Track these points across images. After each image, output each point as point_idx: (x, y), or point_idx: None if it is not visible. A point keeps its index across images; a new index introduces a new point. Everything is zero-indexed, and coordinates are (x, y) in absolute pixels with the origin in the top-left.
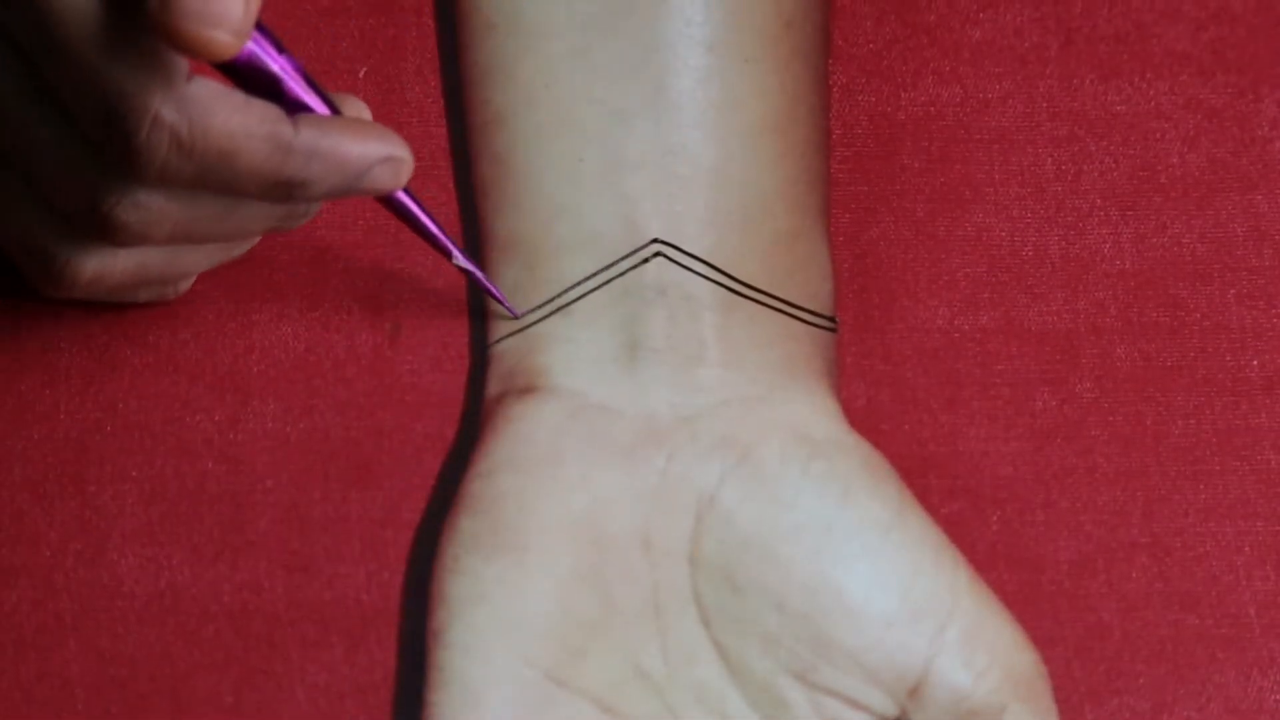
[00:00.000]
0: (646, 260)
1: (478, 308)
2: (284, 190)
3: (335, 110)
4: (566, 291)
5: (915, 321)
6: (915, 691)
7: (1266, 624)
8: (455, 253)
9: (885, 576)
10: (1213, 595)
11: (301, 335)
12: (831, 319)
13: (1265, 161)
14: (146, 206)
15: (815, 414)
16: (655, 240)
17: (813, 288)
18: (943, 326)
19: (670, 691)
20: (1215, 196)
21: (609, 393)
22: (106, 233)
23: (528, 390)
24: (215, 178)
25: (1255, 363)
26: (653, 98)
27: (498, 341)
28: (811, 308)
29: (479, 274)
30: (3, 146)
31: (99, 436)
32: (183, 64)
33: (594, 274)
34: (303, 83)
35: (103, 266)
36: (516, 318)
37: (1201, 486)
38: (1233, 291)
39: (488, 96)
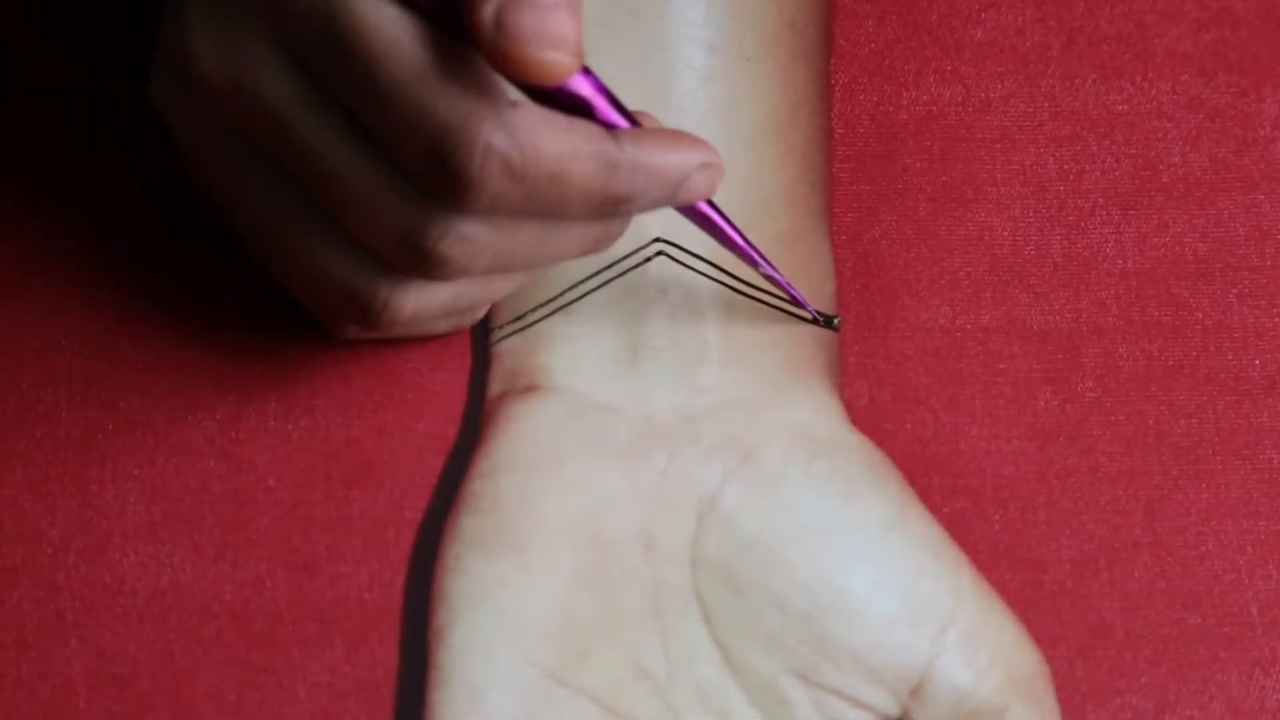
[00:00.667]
0: (648, 259)
1: None
2: (610, 208)
3: (638, 125)
4: (568, 291)
5: (917, 321)
6: (917, 691)
7: (1269, 623)
8: (760, 261)
9: (887, 576)
10: (1215, 594)
11: (303, 334)
12: (833, 318)
13: (1267, 161)
14: (471, 239)
15: (817, 414)
16: (657, 239)
17: (815, 287)
18: (945, 326)
19: (672, 691)
20: (1217, 196)
21: (610, 392)
22: (430, 269)
23: (529, 390)
24: (542, 202)
25: (1257, 362)
26: (654, 99)
27: (499, 341)
28: (814, 307)
29: (783, 279)
30: (312, 189)
31: (101, 435)
32: (506, 90)
33: (596, 273)
34: (610, 105)
35: (421, 302)
36: (815, 316)
37: (1203, 486)
38: (1234, 291)
39: None
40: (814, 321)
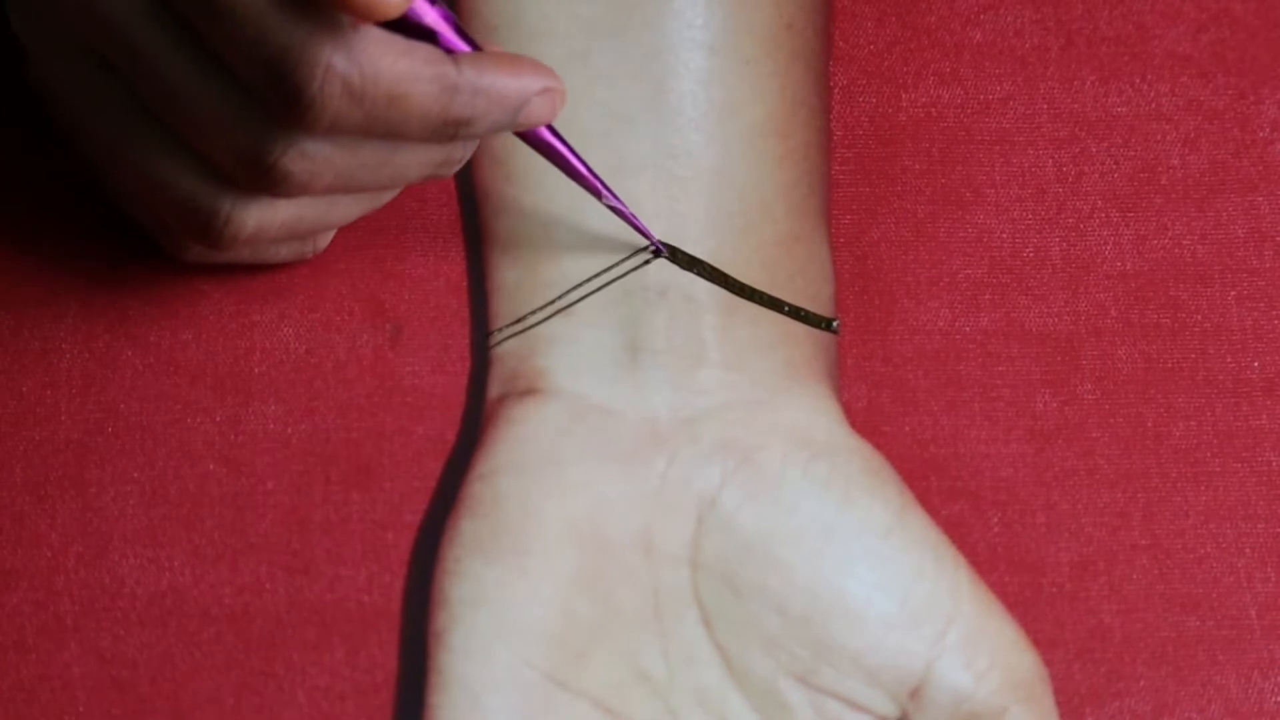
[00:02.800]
0: (647, 262)
1: (479, 309)
2: (449, 130)
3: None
4: (568, 293)
5: (916, 323)
6: (916, 693)
7: (1267, 626)
8: (604, 191)
9: (886, 579)
10: (1213, 597)
11: (302, 336)
12: (832, 321)
13: (1265, 163)
14: (313, 156)
15: (816, 416)
16: (657, 242)
17: (814, 289)
18: (943, 328)
19: (671, 694)
20: (1216, 198)
21: (610, 394)
22: (272, 184)
23: (529, 392)
24: (383, 123)
25: (1256, 364)
26: (653, 100)
27: (498, 343)
28: (812, 309)
29: (627, 210)
30: (158, 105)
31: (100, 438)
32: None
33: (596, 275)
34: (454, 31)
35: (264, 219)
36: (658, 246)
37: (1202, 488)
38: (1233, 293)
39: None
40: (804, 318)
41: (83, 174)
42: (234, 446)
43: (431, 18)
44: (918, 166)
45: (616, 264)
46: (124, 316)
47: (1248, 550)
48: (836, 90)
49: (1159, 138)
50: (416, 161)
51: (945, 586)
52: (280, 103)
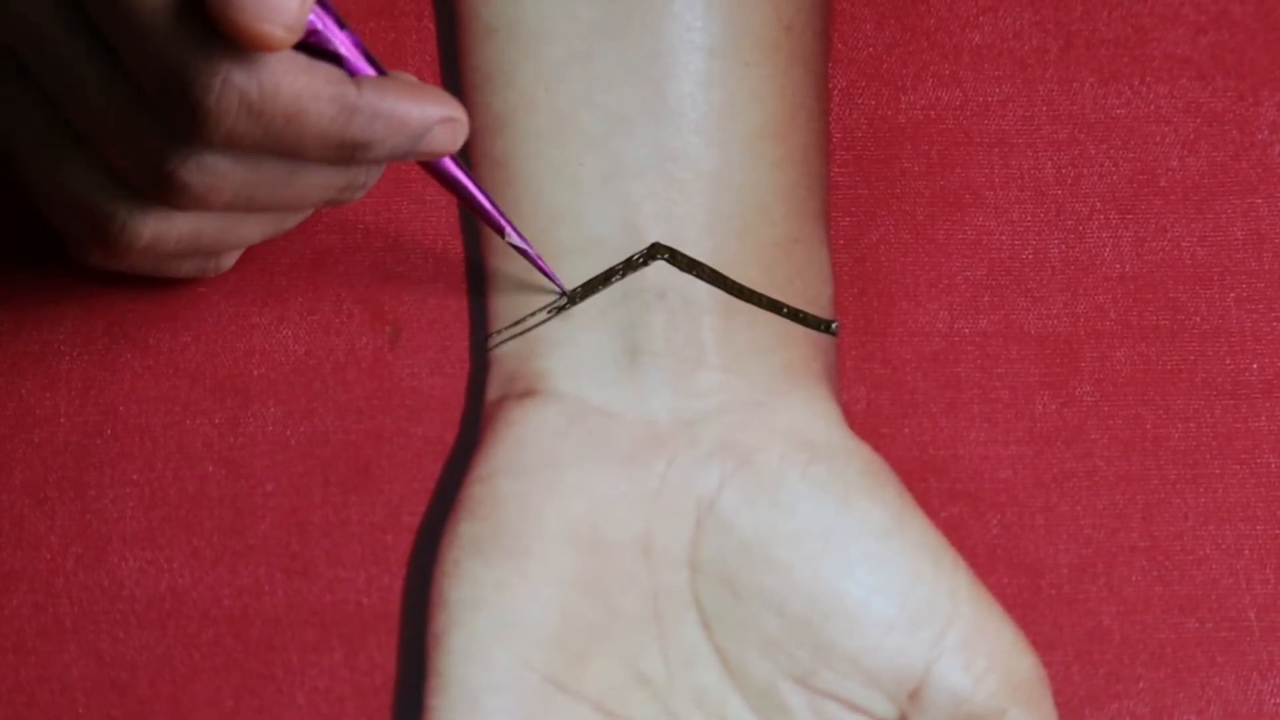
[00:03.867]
0: (647, 264)
1: (478, 311)
2: (347, 152)
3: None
4: (568, 294)
5: (915, 325)
6: (915, 695)
7: (1266, 627)
8: (509, 229)
9: (885, 581)
10: (1212, 599)
11: (301, 338)
12: (831, 323)
13: (1265, 165)
14: (211, 169)
15: (815, 418)
16: (655, 244)
17: (813, 291)
18: (943, 330)
19: (670, 696)
20: (1215, 200)
21: (609, 397)
22: (169, 195)
23: (528, 394)
24: (281, 140)
25: (1255, 366)
26: (653, 103)
27: (497, 345)
28: (811, 311)
29: (532, 251)
30: (65, 106)
31: (99, 440)
32: None
33: (595, 277)
34: (362, 57)
35: (160, 230)
36: (566, 293)
37: (1201, 490)
38: (1232, 295)
39: (488, 101)
40: (804, 320)
41: None
42: (233, 448)
43: (339, 41)
44: (917, 168)
45: (616, 266)
46: (123, 319)
47: (1247, 552)
48: (836, 92)
49: (1158, 140)
50: (318, 184)
51: (944, 588)
52: (178, 113)
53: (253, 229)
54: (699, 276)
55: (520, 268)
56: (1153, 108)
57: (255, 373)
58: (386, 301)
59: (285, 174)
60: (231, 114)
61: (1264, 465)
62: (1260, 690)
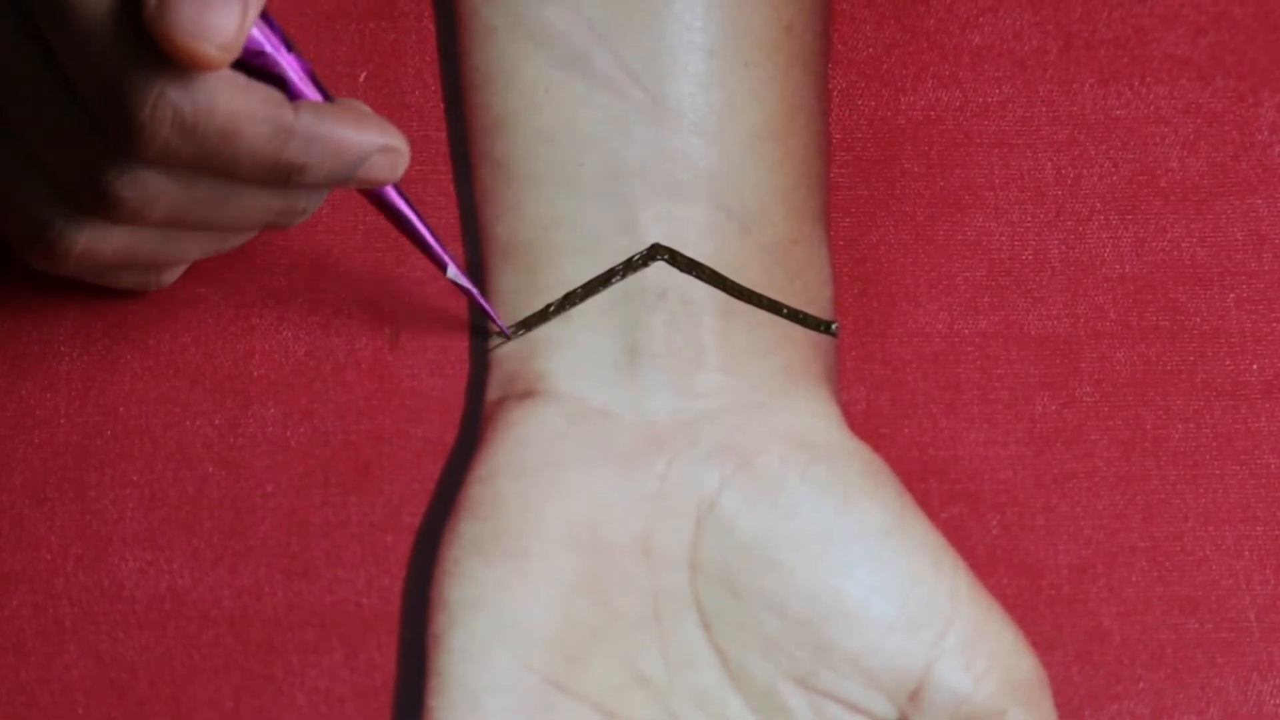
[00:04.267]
0: (647, 264)
1: (478, 312)
2: (283, 174)
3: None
4: (567, 295)
5: (915, 326)
6: (915, 696)
7: (1266, 628)
8: (449, 263)
9: (885, 581)
10: (1212, 599)
11: (301, 339)
12: (831, 323)
13: (1264, 166)
14: (145, 184)
15: (815, 419)
16: (655, 245)
17: (812, 292)
18: (942, 331)
19: (671, 697)
20: (1214, 201)
21: (609, 397)
22: (103, 207)
23: (528, 395)
24: (216, 159)
25: (1255, 367)
26: (652, 104)
27: (498, 346)
28: (811, 312)
29: (473, 289)
30: (10, 116)
31: (99, 441)
32: None
33: (595, 278)
34: (308, 80)
35: (95, 241)
36: (507, 334)
37: (1201, 491)
38: (1232, 296)
39: (488, 101)
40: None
41: None
42: (233, 449)
43: (285, 63)
44: (917, 169)
45: (616, 267)
46: (123, 319)
47: (1247, 552)
48: (835, 93)
49: (1158, 140)
50: (255, 205)
51: (944, 589)
52: (113, 126)
53: (191, 246)
54: (699, 277)
55: (521, 270)
56: (1153, 108)
57: (255, 374)
58: (386, 302)
59: (221, 194)
60: (165, 130)
61: (1264, 466)
62: (1260, 691)
